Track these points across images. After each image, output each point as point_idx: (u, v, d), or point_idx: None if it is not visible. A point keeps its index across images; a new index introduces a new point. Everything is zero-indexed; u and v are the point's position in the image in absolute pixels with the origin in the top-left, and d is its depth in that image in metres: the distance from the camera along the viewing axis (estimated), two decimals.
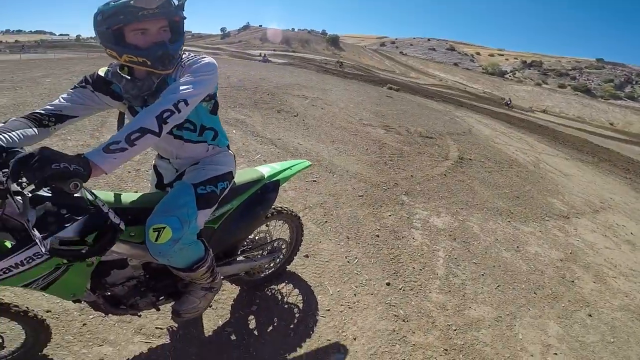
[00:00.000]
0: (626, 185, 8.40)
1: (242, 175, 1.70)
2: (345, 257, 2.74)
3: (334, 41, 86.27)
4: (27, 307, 1.34)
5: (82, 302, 1.36)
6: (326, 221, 3.16)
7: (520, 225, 4.13)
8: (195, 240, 1.33)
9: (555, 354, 2.33)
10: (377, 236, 3.15)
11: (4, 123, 1.15)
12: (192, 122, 1.38)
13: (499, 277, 3.02)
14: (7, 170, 0.90)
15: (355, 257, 2.77)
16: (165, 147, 1.45)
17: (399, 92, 15.47)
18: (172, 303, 1.55)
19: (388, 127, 7.13)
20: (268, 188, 1.76)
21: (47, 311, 1.78)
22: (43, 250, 0.91)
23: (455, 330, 2.31)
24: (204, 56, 1.28)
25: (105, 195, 1.26)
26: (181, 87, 1.13)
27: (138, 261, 1.37)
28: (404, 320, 2.27)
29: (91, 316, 1.79)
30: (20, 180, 0.98)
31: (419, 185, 4.47)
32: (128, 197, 1.34)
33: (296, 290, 2.27)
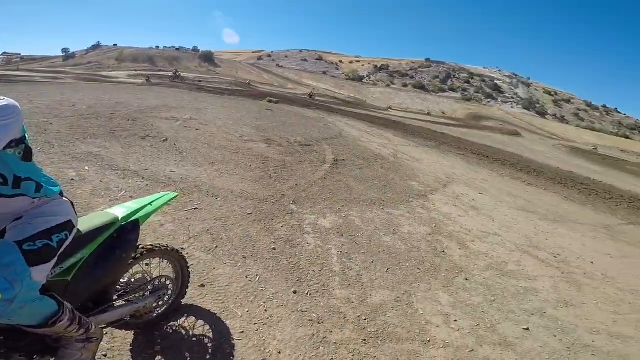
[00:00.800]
0: (461, 160, 10.71)
1: (89, 221, 1.58)
2: (246, 276, 2.71)
3: (208, 57, 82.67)
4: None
5: None
6: (216, 246, 3.05)
7: (392, 210, 4.79)
8: (39, 296, 1.24)
9: (456, 320, 2.71)
10: (274, 249, 3.20)
11: None
12: (1, 175, 1.22)
13: (386, 261, 3.41)
14: None
15: (257, 274, 2.76)
16: None
17: (278, 104, 15.92)
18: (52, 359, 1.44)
19: (270, 141, 7.28)
20: (125, 229, 1.67)
21: None
22: None
23: (365, 319, 2.51)
24: (0, 99, 1.14)
25: None
26: None
27: None
28: (319, 323, 2.37)
29: None
30: None
31: (304, 192, 4.73)
32: None
33: (200, 321, 2.16)
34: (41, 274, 1.26)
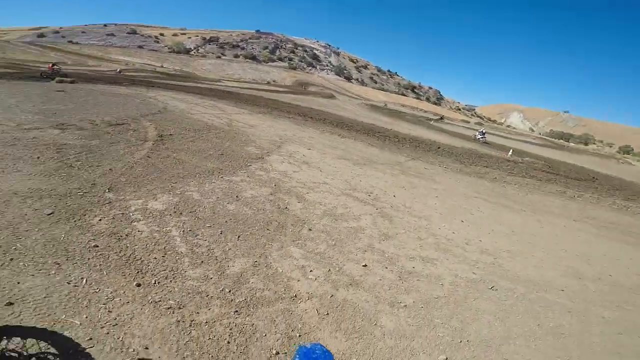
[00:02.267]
0: (291, 122, 11.56)
1: None
2: (68, 282, 2.27)
3: None
4: None
5: None
6: (12, 259, 2.39)
7: (232, 177, 4.77)
8: None
9: (311, 270, 2.90)
10: (96, 246, 2.73)
11: None
12: None
13: (236, 229, 3.38)
14: None
15: (82, 278, 2.35)
16: None
17: (74, 84, 12.71)
18: None
19: (64, 125, 5.83)
20: None
21: None
22: None
23: (230, 291, 2.46)
24: None
25: None
26: None
27: None
28: (180, 308, 2.21)
29: None
30: None
31: (123, 177, 4.10)
32: None
33: (30, 340, 1.74)
34: None
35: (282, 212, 3.99)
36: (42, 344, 1.79)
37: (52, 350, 1.78)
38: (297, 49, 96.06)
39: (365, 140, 11.04)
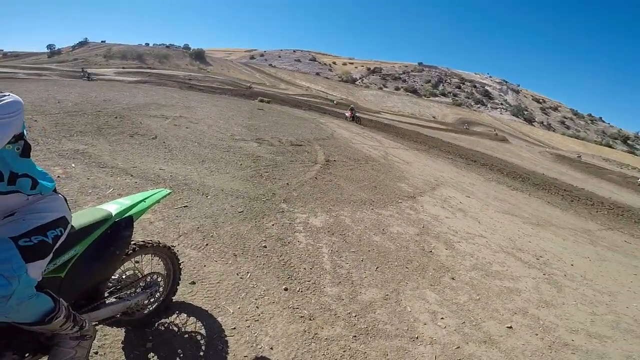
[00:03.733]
0: (450, 164, 10.89)
1: (84, 217, 1.55)
2: (237, 274, 2.70)
3: (199, 55, 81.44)
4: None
5: None
6: (207, 244, 3.02)
7: (381, 211, 4.83)
8: (34, 293, 1.22)
9: (442, 318, 2.75)
10: (265, 247, 3.19)
11: None
12: None
13: (376, 260, 3.44)
14: None
15: (247, 272, 2.75)
16: None
17: (270, 104, 15.88)
18: (43, 358, 1.41)
19: (261, 140, 7.26)
20: (120, 226, 1.65)
21: None
22: None
23: (355, 316, 2.53)
24: (5, 94, 1.13)
25: None
26: None
27: None
28: (310, 319, 2.38)
29: None
30: None
31: (295, 192, 4.73)
32: None
33: (192, 318, 2.14)
34: (37, 270, 1.25)
35: (426, 254, 3.82)
36: (198, 323, 2.13)
37: (202, 331, 2.09)
38: (464, 84, 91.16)
39: (544, 197, 9.28)
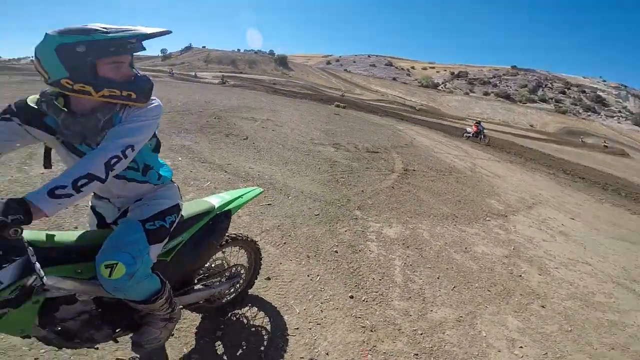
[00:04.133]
0: (551, 180, 9.54)
1: (191, 207, 1.70)
2: (308, 275, 2.77)
3: (283, 61, 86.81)
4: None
5: (30, 338, 1.30)
6: (285, 242, 3.18)
7: (465, 228, 4.46)
8: (150, 273, 1.33)
9: (521, 347, 2.49)
10: (336, 252, 3.22)
11: None
12: (135, 162, 1.37)
13: (454, 279, 3.21)
14: None
15: (317, 275, 2.81)
16: (106, 187, 1.40)
17: (345, 110, 16.06)
18: (131, 334, 1.53)
19: (338, 145, 7.38)
20: (219, 218, 1.77)
21: None
22: None
23: (421, 334, 2.41)
24: (153, 98, 1.29)
25: (43, 235, 1.22)
26: (130, 131, 1.13)
27: (87, 296, 1.35)
28: (371, 331, 2.34)
29: (42, 350, 1.68)
30: None
31: (370, 200, 4.68)
32: (70, 235, 1.32)
33: (261, 312, 2.26)
34: (155, 252, 1.37)
35: (514, 279, 3.45)
36: (266, 318, 2.21)
37: (268, 327, 2.15)
38: (569, 89, 79.33)
39: None
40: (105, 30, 1.09)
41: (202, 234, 1.69)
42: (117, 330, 1.47)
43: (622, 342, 2.76)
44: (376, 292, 2.77)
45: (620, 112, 69.19)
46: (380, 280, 2.94)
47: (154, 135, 1.39)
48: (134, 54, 1.20)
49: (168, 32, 1.23)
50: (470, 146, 12.36)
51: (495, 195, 6.28)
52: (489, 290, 3.14)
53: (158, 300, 1.38)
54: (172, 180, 1.60)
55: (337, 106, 16.57)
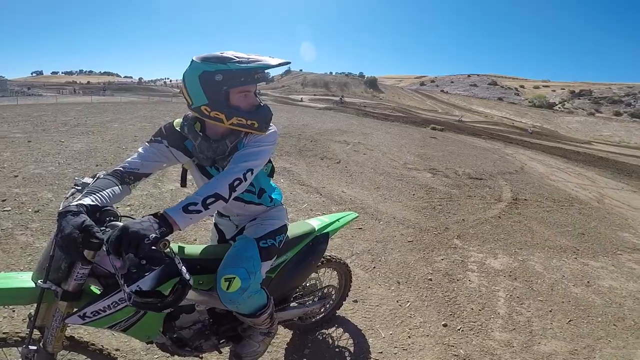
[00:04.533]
0: None
1: (294, 228, 1.79)
2: (397, 300, 2.70)
3: (373, 83, 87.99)
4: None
5: (152, 343, 1.46)
6: (374, 267, 3.15)
7: (589, 261, 3.84)
8: (259, 289, 1.40)
9: None
10: (430, 280, 3.07)
11: (94, 179, 1.22)
12: (253, 185, 1.46)
13: (570, 312, 2.84)
14: (104, 228, 1.03)
15: (408, 301, 2.72)
16: (227, 207, 1.52)
17: (443, 132, 15.32)
18: (232, 346, 1.61)
19: (434, 170, 7.06)
20: (319, 240, 1.85)
21: (116, 349, 1.93)
22: (128, 302, 1.02)
23: None
24: (271, 126, 1.36)
25: (176, 247, 1.34)
26: (250, 156, 1.21)
27: (204, 307, 1.46)
28: (465, 359, 2.17)
29: (156, 356, 1.91)
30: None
31: (471, 229, 4.32)
32: (196, 249, 1.44)
33: (346, 334, 2.27)
34: (265, 269, 1.44)
35: None
36: (350, 340, 2.18)
37: (352, 349, 2.12)
38: None
39: None
40: (237, 59, 1.15)
41: (303, 254, 1.75)
42: (221, 342, 1.55)
43: None
44: (474, 322, 2.56)
45: None
46: (480, 310, 2.71)
47: (269, 161, 1.47)
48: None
49: (288, 63, 1.31)
50: (597, 173, 10.34)
51: (630, 228, 5.17)
52: (614, 325, 2.74)
53: (263, 315, 1.43)
54: (281, 203, 1.69)
55: (434, 129, 15.92)
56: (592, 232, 4.75)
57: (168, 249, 1.00)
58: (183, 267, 1.11)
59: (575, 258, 3.87)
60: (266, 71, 1.24)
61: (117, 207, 1.28)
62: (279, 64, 1.23)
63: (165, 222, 0.99)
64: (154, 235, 0.95)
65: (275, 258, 1.53)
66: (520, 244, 4.04)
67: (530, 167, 9.13)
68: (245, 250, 1.40)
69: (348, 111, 22.23)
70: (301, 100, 37.27)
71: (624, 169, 12.43)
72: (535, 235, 4.38)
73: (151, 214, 1.02)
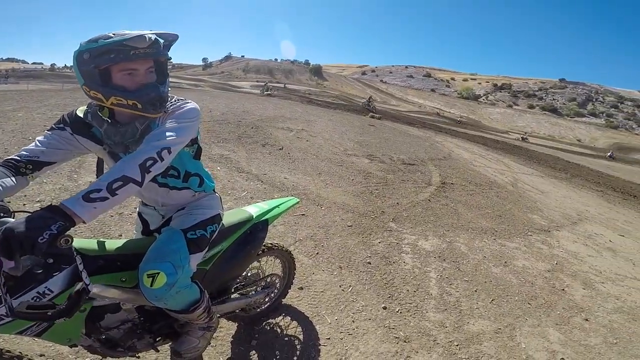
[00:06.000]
0: (599, 197, 8.85)
1: (230, 216, 1.72)
2: (340, 285, 2.77)
3: (317, 71, 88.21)
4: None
5: (78, 346, 1.33)
6: (317, 253, 3.19)
7: (506, 242, 4.29)
8: (189, 283, 1.33)
9: (562, 358, 2.41)
10: (369, 263, 3.20)
11: None
12: (176, 169, 1.37)
13: (492, 292, 3.13)
14: None
15: (350, 285, 2.80)
16: (150, 195, 1.44)
17: (381, 120, 15.95)
18: (171, 343, 1.54)
19: (372, 156, 7.33)
20: (257, 228, 1.79)
21: (41, 355, 1.72)
22: (10, 314, 0.89)
23: (457, 345, 2.35)
24: (187, 101, 1.28)
25: (90, 243, 1.23)
26: (164, 134, 1.11)
27: (131, 305, 1.37)
28: (405, 341, 2.30)
29: (87, 359, 1.75)
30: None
31: (405, 212, 4.59)
32: (115, 244, 1.33)
33: (294, 322, 2.28)
34: (195, 262, 1.36)
35: (556, 292, 3.34)
36: (299, 328, 2.21)
37: (300, 337, 2.15)
38: (622, 103, 73.50)
39: None
40: (109, 36, 1.07)
41: (240, 243, 1.69)
42: (157, 339, 1.48)
43: None
44: (410, 303, 2.73)
45: None
46: (414, 292, 2.90)
47: (195, 142, 1.39)
48: (166, 60, 1.20)
49: (174, 36, 1.21)
50: (513, 160, 11.75)
51: (539, 211, 5.95)
52: (529, 303, 3.08)
53: (197, 309, 1.37)
54: (214, 191, 1.62)
55: (372, 117, 16.49)
56: (507, 214, 5.36)
57: (69, 246, 0.88)
58: (84, 269, 1.01)
59: (494, 239, 4.30)
60: (163, 47, 1.17)
61: (9, 202, 1.08)
62: (158, 35, 1.14)
63: (63, 216, 0.87)
64: (49, 232, 0.82)
65: (207, 249, 1.44)
66: (447, 226, 4.39)
67: (457, 154, 9.99)
68: (171, 243, 1.30)
69: (292, 98, 21.95)
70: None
71: (533, 157, 14.34)
72: (461, 217, 4.81)
73: (45, 207, 0.88)
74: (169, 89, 1.26)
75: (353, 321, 2.40)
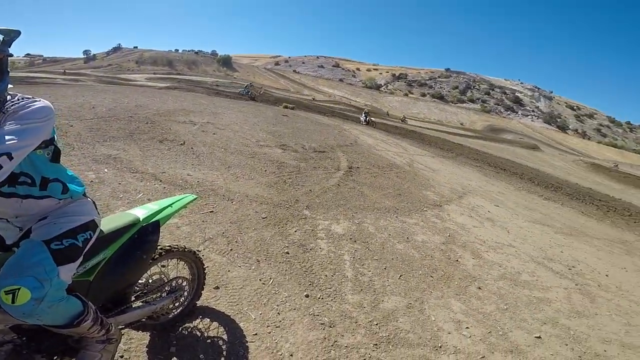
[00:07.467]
0: (478, 172, 10.54)
1: (111, 221, 1.60)
2: (260, 279, 2.72)
3: (226, 62, 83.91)
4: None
5: None
6: (231, 249, 3.07)
7: (406, 219, 4.74)
8: (64, 296, 1.25)
9: (467, 327, 2.70)
10: (287, 253, 3.21)
11: None
12: (29, 175, 1.23)
13: (399, 268, 3.40)
14: None
15: (270, 278, 2.77)
16: None
17: (294, 110, 16.03)
18: None
19: (285, 146, 7.33)
20: (147, 231, 1.68)
21: None
22: None
23: (377, 324, 2.50)
24: (36, 100, 1.16)
25: None
26: (3, 138, 1.01)
27: (3, 325, 1.26)
28: (330, 327, 2.37)
29: None
30: None
31: (317, 198, 4.72)
32: None
33: (215, 323, 2.18)
34: (68, 273, 1.27)
35: (451, 264, 3.75)
36: (221, 328, 2.15)
37: (224, 337, 2.11)
38: (493, 90, 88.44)
39: (577, 207, 8.78)
40: None
41: (127, 249, 1.59)
42: (54, 358, 1.39)
43: (551, 316, 3.13)
44: (330, 288, 2.82)
45: (533, 111, 78.83)
46: (332, 276, 2.99)
47: (52, 143, 1.27)
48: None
49: (15, 32, 1.11)
50: (409, 143, 13.12)
51: (431, 187, 6.77)
52: (431, 276, 3.37)
53: (83, 323, 1.29)
54: (85, 195, 1.48)
55: (285, 107, 16.47)
56: (406, 192, 5.95)
57: None
58: None
59: (396, 217, 4.71)
60: (3, 43, 1.08)
61: None
62: None
63: None
64: None
65: (80, 260, 1.32)
66: (355, 208, 4.66)
67: (362, 140, 10.73)
68: (31, 257, 1.19)
69: (197, 90, 20.41)
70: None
71: (425, 140, 16.26)
72: (367, 198, 5.17)
73: None
74: (10, 85, 1.16)
75: (278, 313, 2.39)
